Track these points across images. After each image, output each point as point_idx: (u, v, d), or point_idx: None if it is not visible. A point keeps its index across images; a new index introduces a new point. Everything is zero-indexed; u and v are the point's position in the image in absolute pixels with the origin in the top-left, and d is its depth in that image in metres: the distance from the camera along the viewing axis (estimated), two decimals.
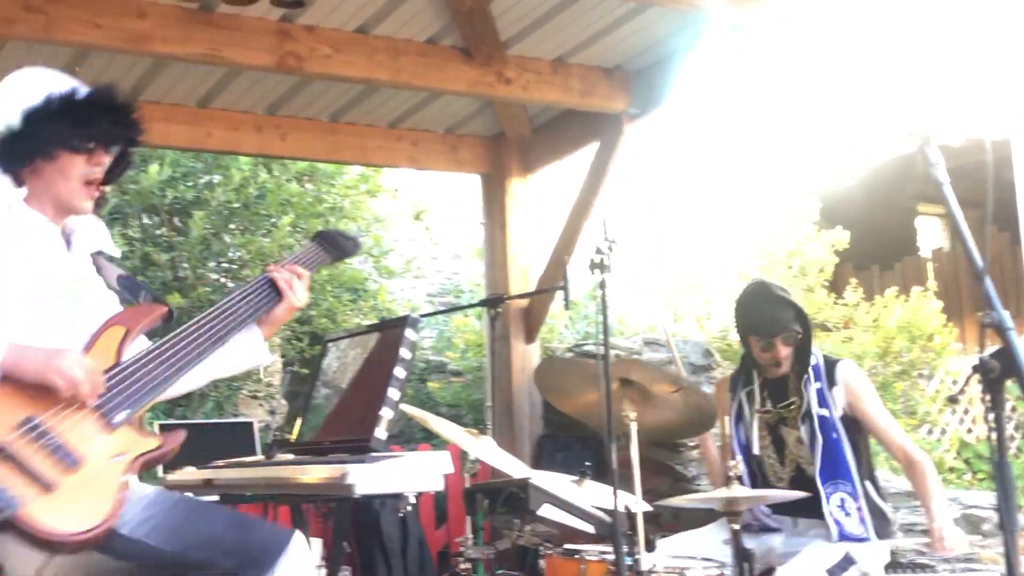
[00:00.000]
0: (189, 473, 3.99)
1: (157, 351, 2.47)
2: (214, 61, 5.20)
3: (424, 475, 3.12)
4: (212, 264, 8.27)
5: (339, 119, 6.50)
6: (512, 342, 6.65)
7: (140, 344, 2.55)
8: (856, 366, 4.25)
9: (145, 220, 8.20)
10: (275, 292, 2.73)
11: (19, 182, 2.52)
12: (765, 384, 4.17)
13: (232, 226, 8.13)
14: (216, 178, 7.88)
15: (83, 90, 2.55)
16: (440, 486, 3.16)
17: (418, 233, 10.67)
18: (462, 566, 3.98)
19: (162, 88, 5.90)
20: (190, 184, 7.79)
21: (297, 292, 2.73)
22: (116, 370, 2.40)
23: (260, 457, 3.97)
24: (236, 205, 7.89)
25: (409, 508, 3.27)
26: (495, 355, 6.62)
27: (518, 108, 6.57)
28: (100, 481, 2.25)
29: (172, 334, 2.53)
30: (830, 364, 4.12)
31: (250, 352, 2.78)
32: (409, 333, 3.42)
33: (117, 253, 2.75)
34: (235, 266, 8.29)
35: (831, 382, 4.06)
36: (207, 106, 6.16)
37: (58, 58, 5.41)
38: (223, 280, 8.32)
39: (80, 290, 2.56)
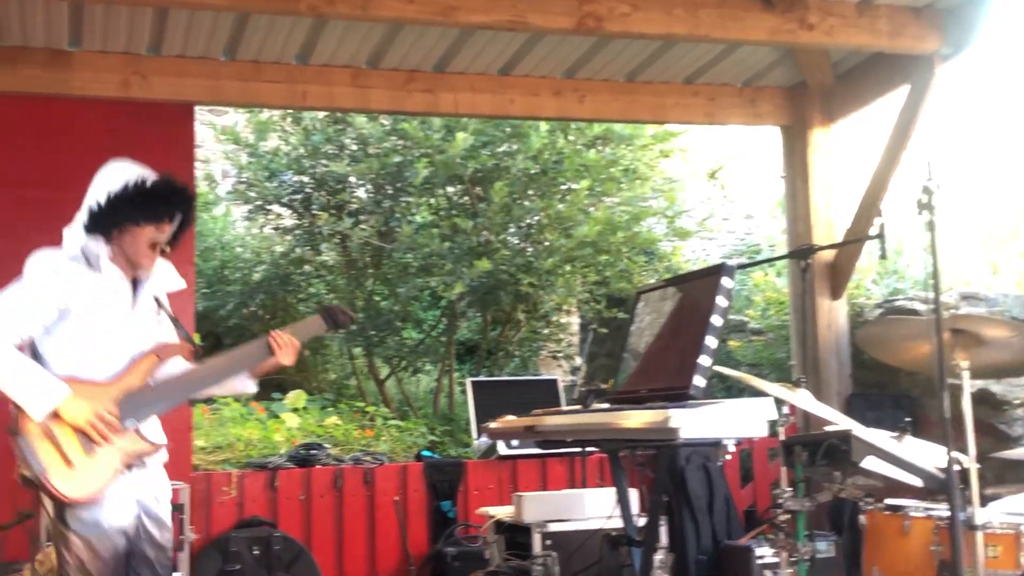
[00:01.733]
0: (510, 421, 4.16)
1: (168, 383, 3.40)
2: (517, 27, 5.33)
3: (747, 421, 3.13)
4: (512, 229, 8.51)
5: (635, 78, 6.52)
6: (817, 298, 6.47)
7: (176, 363, 3.48)
8: None
9: (449, 190, 8.56)
10: (269, 350, 3.48)
11: (108, 241, 3.33)
12: None
13: (530, 192, 8.33)
14: (515, 146, 8.09)
15: (149, 180, 3.35)
16: (764, 432, 3.15)
17: (711, 192, 10.55)
18: (781, 518, 3.92)
19: (467, 59, 6.12)
20: (490, 153, 8.03)
21: (286, 355, 3.49)
22: (139, 391, 3.29)
23: (577, 406, 4.07)
24: (534, 171, 8.07)
25: (728, 457, 3.28)
26: (800, 312, 6.48)
27: (820, 55, 6.37)
28: (103, 465, 3.18)
29: (188, 370, 3.46)
30: None
31: (237, 387, 3.61)
32: (725, 281, 3.42)
33: (183, 284, 3.56)
34: (533, 231, 8.50)
35: None
36: (509, 73, 6.34)
37: (373, 33, 5.75)
38: (522, 244, 8.55)
39: (133, 329, 3.37)
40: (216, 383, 3.53)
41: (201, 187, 9.17)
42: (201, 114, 8.99)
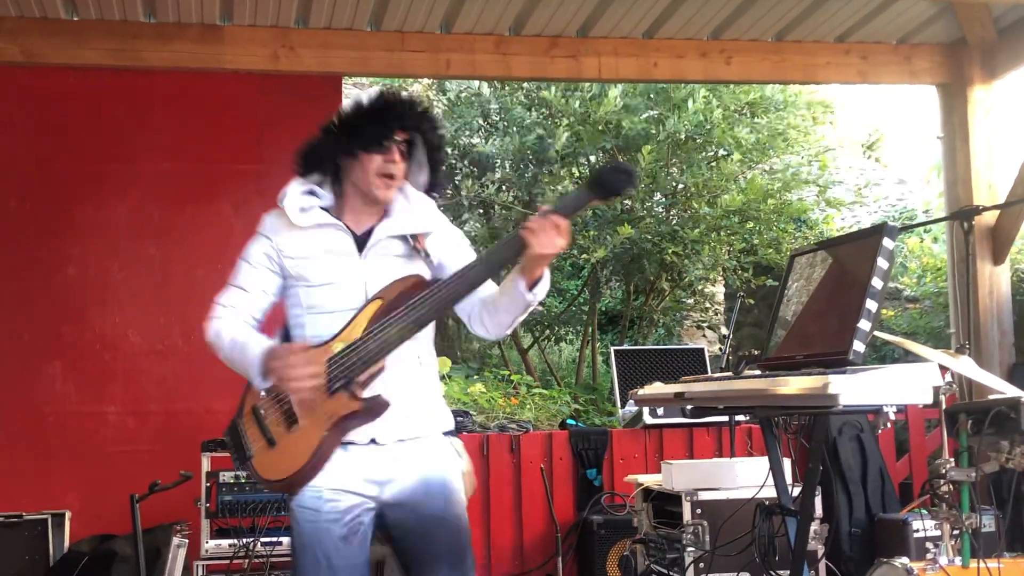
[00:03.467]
0: (658, 388, 4.09)
1: (379, 326, 2.80)
2: None
3: (910, 387, 2.98)
4: (657, 197, 8.40)
5: (784, 37, 6.33)
6: (978, 263, 6.20)
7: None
8: None
9: (592, 159, 8.49)
10: (522, 242, 2.75)
11: (337, 181, 2.96)
12: None
13: (675, 160, 8.20)
14: (662, 111, 7.95)
15: (369, 99, 2.91)
16: (929, 398, 3.00)
17: (864, 160, 10.21)
18: (942, 489, 3.77)
19: (611, 22, 6.03)
20: (639, 118, 7.90)
21: (542, 239, 2.72)
22: (352, 344, 2.79)
23: (727, 373, 3.97)
24: (682, 139, 7.93)
25: (888, 425, 3.14)
26: (959, 278, 6.21)
27: (981, 9, 6.07)
28: (307, 439, 2.77)
29: (405, 305, 2.81)
30: None
31: (514, 302, 2.87)
32: (887, 242, 3.27)
33: (430, 228, 2.98)
34: (679, 199, 8.37)
35: None
36: (653, 36, 6.22)
37: (511, 7, 5.70)
38: (667, 213, 8.43)
39: (363, 279, 2.90)
40: (458, 299, 2.86)
41: None
42: (346, 87, 9.14)
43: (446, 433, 3.02)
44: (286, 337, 2.98)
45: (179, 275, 5.98)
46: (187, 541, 5.06)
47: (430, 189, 3.07)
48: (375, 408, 2.78)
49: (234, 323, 2.92)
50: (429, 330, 2.98)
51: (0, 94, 5.87)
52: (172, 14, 5.71)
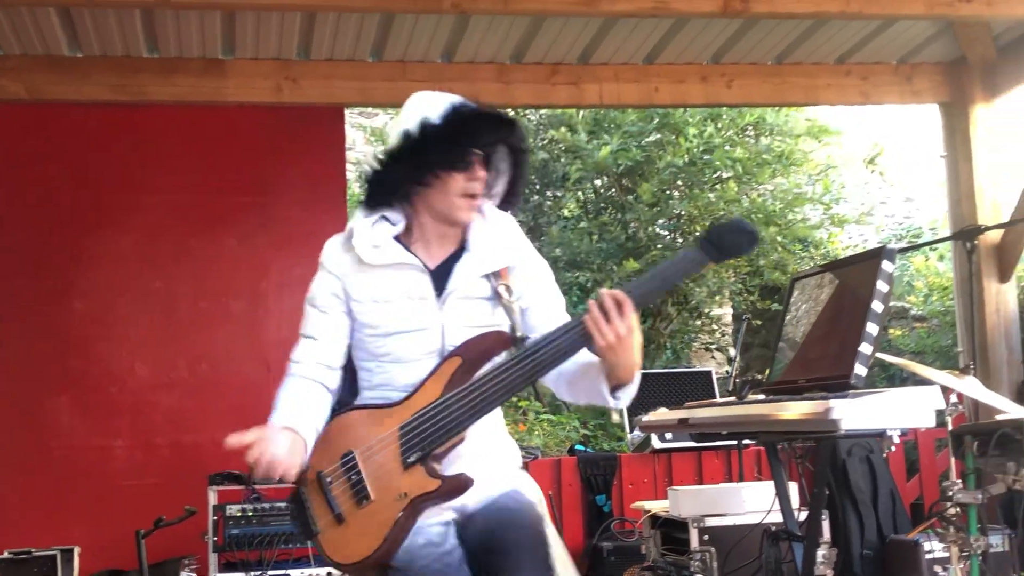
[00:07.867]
0: (663, 414, 4.09)
1: (459, 394, 2.48)
2: (660, 13, 5.24)
3: (912, 411, 2.98)
4: (661, 222, 8.41)
5: (784, 60, 6.35)
6: (984, 282, 6.18)
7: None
8: None
9: (596, 183, 8.51)
10: (585, 335, 2.41)
11: (409, 204, 2.62)
12: None
13: (679, 183, 8.20)
14: (665, 136, 7.97)
15: (446, 110, 2.56)
16: (931, 422, 2.99)
17: (868, 176, 10.21)
18: (951, 511, 3.75)
19: (611, 49, 6.06)
20: (639, 145, 7.92)
21: (604, 332, 2.36)
22: (427, 409, 2.48)
23: (731, 398, 3.97)
24: (683, 163, 7.94)
25: (892, 448, 3.14)
26: (965, 296, 6.19)
27: (981, 28, 6.09)
28: (379, 518, 2.46)
29: (480, 376, 2.49)
30: None
31: (592, 394, 2.59)
32: (886, 265, 3.27)
33: (511, 262, 2.64)
34: (683, 223, 8.38)
35: None
36: (654, 61, 6.25)
37: (516, 28, 5.74)
38: (672, 237, 8.44)
39: (441, 327, 2.57)
40: (552, 368, 2.49)
41: (353, 188, 9.36)
42: (351, 117, 9.18)
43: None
44: (353, 380, 2.67)
45: (185, 307, 6.00)
46: (195, 575, 5.06)
47: (506, 199, 2.73)
48: (457, 488, 2.49)
49: (291, 387, 2.61)
50: None
51: (5, 131, 5.92)
52: (174, 48, 5.75)
